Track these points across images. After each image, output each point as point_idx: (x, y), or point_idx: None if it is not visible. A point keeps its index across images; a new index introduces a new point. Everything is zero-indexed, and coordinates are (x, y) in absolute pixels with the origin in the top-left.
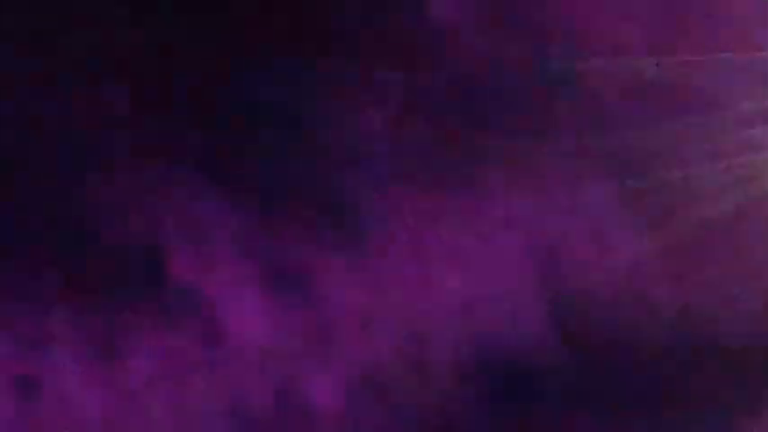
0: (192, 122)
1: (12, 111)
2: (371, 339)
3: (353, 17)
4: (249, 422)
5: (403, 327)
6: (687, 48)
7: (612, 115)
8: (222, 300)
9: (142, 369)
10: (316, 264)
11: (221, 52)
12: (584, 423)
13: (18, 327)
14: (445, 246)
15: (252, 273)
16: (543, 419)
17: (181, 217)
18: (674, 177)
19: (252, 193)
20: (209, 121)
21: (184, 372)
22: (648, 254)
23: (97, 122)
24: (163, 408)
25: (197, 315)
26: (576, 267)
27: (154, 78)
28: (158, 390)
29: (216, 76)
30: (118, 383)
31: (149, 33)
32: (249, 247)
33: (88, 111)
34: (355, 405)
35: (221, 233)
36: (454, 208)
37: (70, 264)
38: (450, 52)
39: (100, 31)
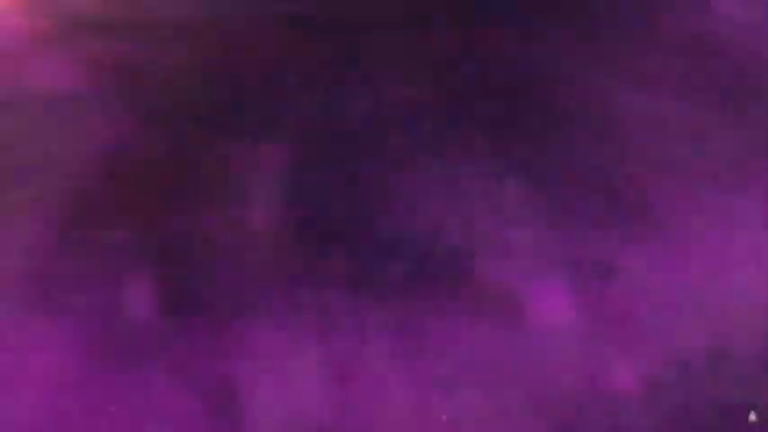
0: (495, 119)
1: (316, 109)
2: (673, 328)
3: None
4: (555, 406)
5: (704, 317)
6: None
7: None
8: (525, 288)
9: (450, 356)
10: (617, 254)
11: (528, 55)
12: None
13: (331, 317)
14: (748, 244)
15: (554, 261)
16: None
17: (484, 206)
18: None
19: (554, 183)
20: (513, 118)
21: (491, 359)
22: None
23: (405, 117)
24: (472, 392)
25: (501, 303)
26: None
27: (458, 76)
28: (467, 376)
29: (522, 75)
30: (427, 370)
31: (460, 35)
32: (551, 236)
33: (395, 108)
34: (657, 389)
35: (524, 222)
36: (758, 208)
37: (378, 257)
38: (744, 48)
39: (414, 31)
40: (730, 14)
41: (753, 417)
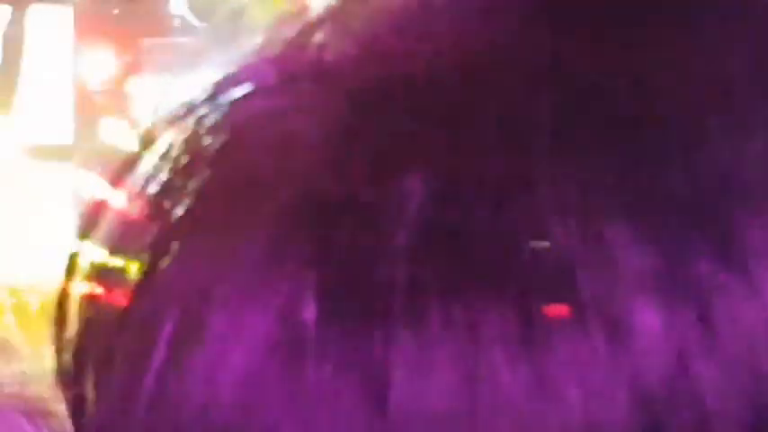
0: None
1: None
2: (754, 345)
3: None
4: (645, 393)
5: None
6: None
7: None
8: (623, 302)
9: (557, 359)
10: (706, 278)
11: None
12: None
13: (459, 332)
14: None
15: (649, 281)
16: None
17: (586, 231)
18: None
19: (650, 211)
20: (626, 151)
21: (592, 359)
22: None
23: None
24: (575, 387)
25: (601, 315)
26: None
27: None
28: (571, 374)
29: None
30: (537, 371)
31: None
32: (646, 260)
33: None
34: (733, 384)
35: (623, 244)
36: None
37: (501, 275)
38: None
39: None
40: None
41: None
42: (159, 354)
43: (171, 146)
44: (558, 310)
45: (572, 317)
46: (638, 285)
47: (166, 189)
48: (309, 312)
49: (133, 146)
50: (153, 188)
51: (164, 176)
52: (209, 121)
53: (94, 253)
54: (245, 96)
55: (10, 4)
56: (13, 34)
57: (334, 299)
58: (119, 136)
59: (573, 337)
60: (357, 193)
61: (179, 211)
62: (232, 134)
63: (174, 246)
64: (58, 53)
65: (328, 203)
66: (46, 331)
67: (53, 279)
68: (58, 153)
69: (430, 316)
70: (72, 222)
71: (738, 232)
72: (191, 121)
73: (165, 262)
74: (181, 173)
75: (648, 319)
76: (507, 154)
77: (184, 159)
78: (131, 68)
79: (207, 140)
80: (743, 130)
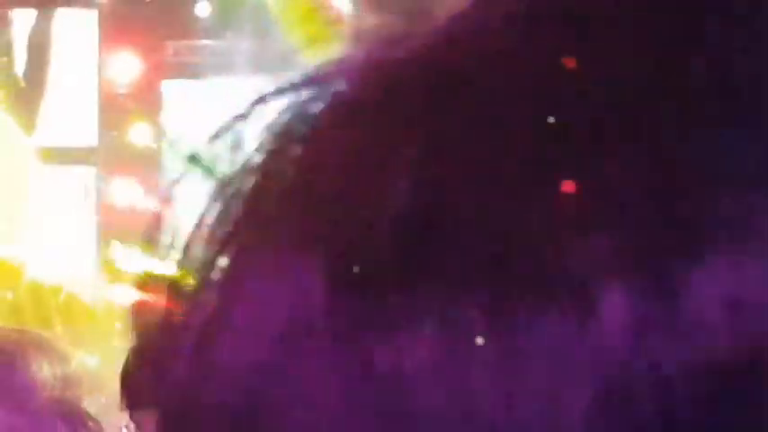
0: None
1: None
2: (714, 330)
3: None
4: (609, 371)
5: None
6: None
7: None
8: (592, 280)
9: (528, 332)
10: (669, 260)
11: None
12: None
13: (443, 303)
14: None
15: (616, 261)
16: None
17: (557, 214)
18: None
19: (620, 198)
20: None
21: (559, 333)
22: None
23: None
24: (542, 358)
25: (570, 292)
26: None
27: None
28: (539, 347)
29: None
30: (509, 341)
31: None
32: (614, 242)
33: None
34: (689, 356)
35: (593, 227)
36: None
37: (479, 256)
38: None
39: None
40: None
41: None
42: (192, 335)
43: (236, 162)
44: (531, 285)
45: (543, 293)
46: (607, 265)
47: (226, 201)
48: (315, 300)
49: (181, 159)
50: (213, 202)
51: (224, 189)
52: (282, 135)
53: (157, 264)
54: (320, 113)
55: (36, 8)
56: (38, 38)
57: (337, 284)
58: (144, 138)
59: (543, 313)
60: (355, 190)
61: (231, 223)
62: (301, 148)
63: (222, 251)
64: (83, 56)
65: (334, 202)
66: (72, 333)
67: (76, 280)
68: (83, 155)
69: (416, 290)
70: (94, 224)
71: (702, 220)
72: (258, 137)
73: (214, 267)
74: (241, 184)
75: (614, 295)
76: (481, 146)
77: (249, 172)
78: (156, 71)
79: (283, 151)
80: (710, 128)
